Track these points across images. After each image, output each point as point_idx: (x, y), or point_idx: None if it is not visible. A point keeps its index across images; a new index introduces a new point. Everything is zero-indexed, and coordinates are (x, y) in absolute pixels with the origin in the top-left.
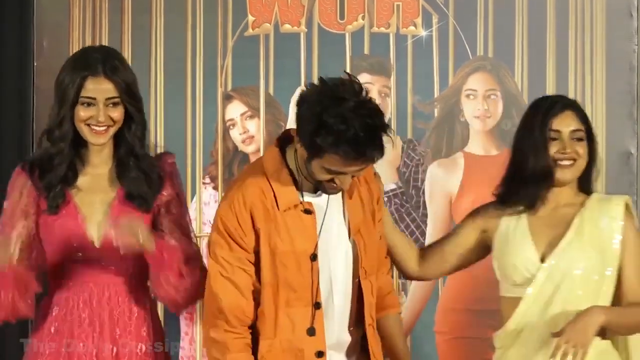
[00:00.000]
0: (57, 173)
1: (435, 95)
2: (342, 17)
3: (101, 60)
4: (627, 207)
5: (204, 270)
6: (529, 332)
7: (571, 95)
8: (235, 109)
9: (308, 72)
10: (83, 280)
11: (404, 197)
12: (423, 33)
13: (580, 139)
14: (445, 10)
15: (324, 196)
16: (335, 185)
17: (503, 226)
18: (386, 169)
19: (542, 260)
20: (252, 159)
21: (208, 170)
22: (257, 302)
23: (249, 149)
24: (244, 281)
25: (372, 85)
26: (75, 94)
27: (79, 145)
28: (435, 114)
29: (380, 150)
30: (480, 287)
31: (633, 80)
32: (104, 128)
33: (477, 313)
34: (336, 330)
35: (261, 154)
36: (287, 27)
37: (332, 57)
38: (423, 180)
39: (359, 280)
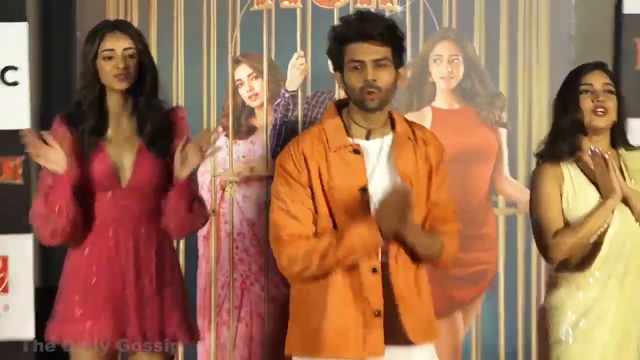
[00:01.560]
0: (88, 123)
1: (408, 61)
2: None
3: (115, 22)
4: None
5: (204, 209)
6: (601, 273)
7: (520, 60)
8: (243, 71)
9: (303, 40)
10: (111, 215)
11: None
12: (399, 9)
13: (611, 92)
14: None
15: (376, 143)
16: (368, 89)
17: (567, 176)
18: None
19: None
20: (257, 112)
21: (221, 122)
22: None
23: (254, 103)
24: (302, 212)
25: None
26: (97, 48)
27: (105, 106)
28: (408, 75)
29: (383, 27)
30: None
31: (571, 47)
32: (124, 74)
33: None
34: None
35: (264, 108)
36: (285, 4)
37: (322, 28)
38: None
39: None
